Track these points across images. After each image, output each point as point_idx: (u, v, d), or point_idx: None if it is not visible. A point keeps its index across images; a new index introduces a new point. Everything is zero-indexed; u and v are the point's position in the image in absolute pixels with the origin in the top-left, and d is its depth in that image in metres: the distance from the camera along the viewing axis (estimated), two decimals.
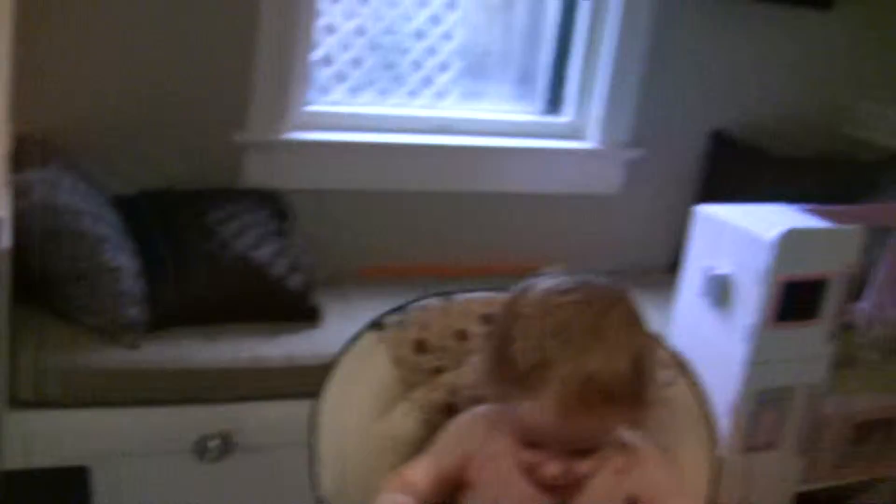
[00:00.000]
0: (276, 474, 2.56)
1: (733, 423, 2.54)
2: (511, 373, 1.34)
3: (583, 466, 1.38)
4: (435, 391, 1.60)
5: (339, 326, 2.62)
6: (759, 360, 2.54)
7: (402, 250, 3.15)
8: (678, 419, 1.61)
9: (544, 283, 1.39)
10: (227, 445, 2.55)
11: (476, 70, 3.36)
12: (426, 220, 3.20)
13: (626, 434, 1.50)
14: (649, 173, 3.45)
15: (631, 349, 1.34)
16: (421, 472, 1.50)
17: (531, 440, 1.37)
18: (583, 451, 1.37)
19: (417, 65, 3.26)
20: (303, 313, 2.78)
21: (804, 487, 2.85)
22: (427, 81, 3.28)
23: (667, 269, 3.24)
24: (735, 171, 3.51)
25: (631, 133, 3.39)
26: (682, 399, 1.62)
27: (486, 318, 1.63)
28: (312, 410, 1.53)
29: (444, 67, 3.29)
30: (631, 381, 1.33)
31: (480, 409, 1.54)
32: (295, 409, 2.40)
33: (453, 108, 3.31)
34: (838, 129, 3.83)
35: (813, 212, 2.83)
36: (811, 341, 2.78)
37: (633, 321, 1.38)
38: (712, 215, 2.73)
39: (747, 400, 2.56)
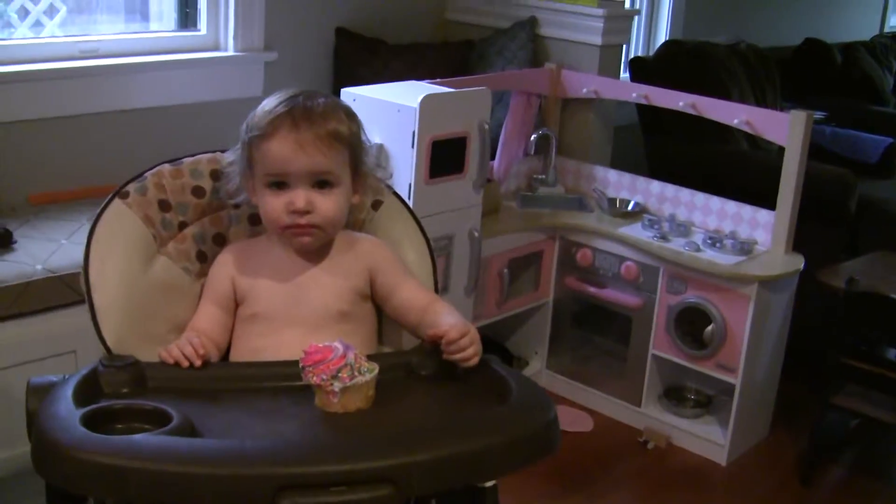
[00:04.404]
0: None
1: None
2: (255, 140, 1.67)
3: (324, 201, 1.67)
4: (183, 243, 1.77)
5: (34, 245, 2.68)
6: (420, 215, 2.87)
7: (70, 174, 3.17)
8: (398, 224, 1.90)
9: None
10: None
11: (85, 8, 3.32)
12: (89, 142, 3.22)
13: (356, 233, 1.81)
14: (286, 73, 3.66)
15: (344, 113, 1.69)
16: (204, 318, 1.71)
17: (277, 180, 1.66)
18: (322, 188, 1.66)
19: (25, 11, 3.17)
20: None
21: (475, 325, 3.21)
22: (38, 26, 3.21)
23: None
24: (361, 61, 3.81)
25: (264, 38, 3.59)
26: (396, 207, 1.91)
27: (215, 174, 1.82)
28: (83, 272, 1.66)
29: (51, 12, 3.22)
30: (350, 133, 1.68)
31: (230, 246, 1.79)
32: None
33: (95, 34, 3.30)
34: (443, 16, 4.23)
35: (439, 83, 3.19)
36: (463, 192, 3.15)
37: (343, 104, 1.73)
38: (358, 94, 3.01)
39: None
